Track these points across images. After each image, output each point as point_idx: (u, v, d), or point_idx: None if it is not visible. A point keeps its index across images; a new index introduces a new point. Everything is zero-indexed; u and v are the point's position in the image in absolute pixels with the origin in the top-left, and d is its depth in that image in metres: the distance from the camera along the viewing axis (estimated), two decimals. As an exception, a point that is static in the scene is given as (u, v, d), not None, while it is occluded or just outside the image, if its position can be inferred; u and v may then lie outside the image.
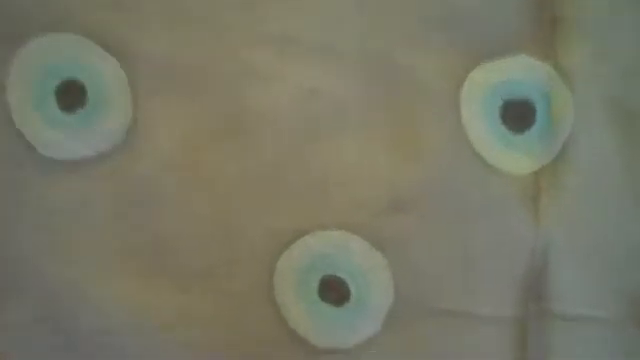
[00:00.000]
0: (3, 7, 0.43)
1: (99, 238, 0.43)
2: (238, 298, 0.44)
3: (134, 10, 0.44)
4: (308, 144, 0.44)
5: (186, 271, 0.44)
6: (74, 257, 0.43)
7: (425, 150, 0.45)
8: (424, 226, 0.45)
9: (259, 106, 0.44)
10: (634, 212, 0.46)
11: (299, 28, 0.45)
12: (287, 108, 0.44)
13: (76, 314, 0.43)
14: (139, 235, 0.43)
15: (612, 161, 0.46)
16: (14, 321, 0.43)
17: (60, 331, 0.43)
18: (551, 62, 0.45)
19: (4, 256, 0.43)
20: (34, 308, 0.43)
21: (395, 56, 0.45)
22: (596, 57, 0.46)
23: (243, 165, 0.44)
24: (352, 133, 0.45)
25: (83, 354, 0.43)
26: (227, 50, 0.44)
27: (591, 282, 0.45)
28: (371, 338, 0.44)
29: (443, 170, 0.45)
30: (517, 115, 0.45)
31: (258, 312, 0.44)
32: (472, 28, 0.45)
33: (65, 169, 0.43)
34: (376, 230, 0.44)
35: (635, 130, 0.46)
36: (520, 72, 0.45)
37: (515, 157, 0.45)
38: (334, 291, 0.44)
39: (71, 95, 0.43)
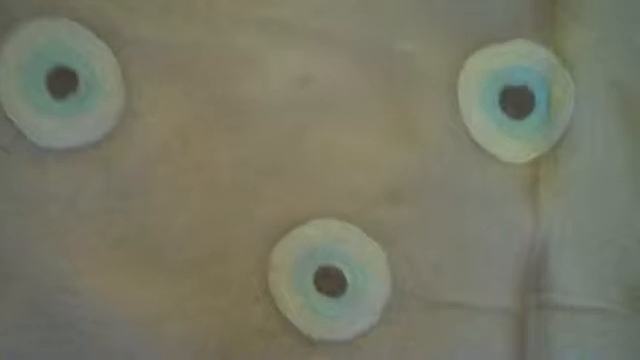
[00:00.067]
0: None
1: (90, 229, 0.43)
2: (232, 289, 0.43)
3: (127, -5, 0.43)
4: (303, 132, 0.44)
5: (179, 262, 0.43)
6: (65, 248, 0.43)
7: (422, 138, 0.45)
8: (421, 216, 0.44)
9: (253, 93, 0.44)
10: (636, 200, 0.45)
11: (293, 13, 0.44)
12: (281, 95, 0.44)
13: (66, 306, 0.42)
14: (131, 226, 0.43)
15: (614, 149, 0.45)
16: (2, 312, 0.42)
17: (50, 322, 0.42)
18: (551, 47, 0.45)
19: None
20: (23, 300, 0.42)
21: (391, 42, 0.45)
22: (597, 42, 0.45)
23: (237, 154, 0.44)
24: (348, 121, 0.44)
25: (73, 346, 0.43)
26: (220, 36, 0.44)
27: (591, 272, 0.45)
28: (368, 330, 0.44)
29: (440, 158, 0.44)
30: (516, 101, 0.45)
31: (252, 303, 0.43)
32: (470, 13, 0.45)
33: (56, 157, 0.43)
34: (373, 219, 0.44)
35: (638, 116, 0.46)
36: (519, 58, 0.45)
37: (514, 145, 0.45)
38: (330, 282, 0.44)
39: (62, 82, 0.43)
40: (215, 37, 0.44)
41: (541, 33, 0.45)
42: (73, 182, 0.43)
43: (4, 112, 0.42)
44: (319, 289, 0.44)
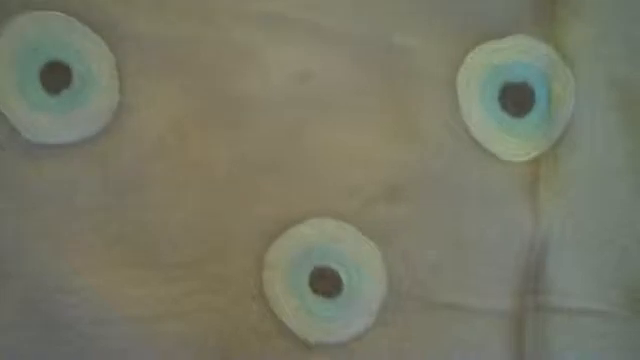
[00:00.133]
0: None
1: (87, 226, 0.43)
2: (227, 289, 0.43)
3: (122, -12, 0.43)
4: (302, 128, 0.44)
5: (176, 260, 0.43)
6: (61, 246, 0.42)
7: (421, 136, 0.44)
8: (419, 215, 0.44)
9: (251, 89, 0.43)
10: (636, 200, 0.45)
11: (292, 8, 0.44)
12: (280, 91, 0.44)
13: (64, 304, 0.42)
14: (128, 223, 0.43)
15: (614, 147, 0.45)
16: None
17: (45, 322, 0.42)
18: (551, 43, 0.45)
19: None
20: (21, 298, 0.42)
21: (391, 38, 0.44)
22: (597, 38, 0.45)
23: (234, 150, 0.43)
24: (347, 117, 0.44)
25: (69, 345, 0.42)
26: (218, 31, 0.43)
27: (591, 274, 0.45)
28: (364, 332, 0.44)
29: (439, 156, 0.44)
30: (516, 98, 0.45)
31: (247, 305, 0.43)
32: (470, 8, 0.45)
33: (50, 154, 0.42)
34: (370, 218, 0.44)
35: (638, 114, 0.45)
36: (519, 53, 0.45)
37: (513, 143, 0.45)
38: (326, 283, 0.44)
39: (56, 76, 0.42)
40: (212, 32, 0.43)
41: (541, 29, 0.45)
42: (69, 179, 0.42)
43: (-3, 108, 0.42)
44: (315, 291, 0.43)
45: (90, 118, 0.42)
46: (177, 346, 0.43)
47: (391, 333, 0.44)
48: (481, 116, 0.44)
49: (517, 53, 0.44)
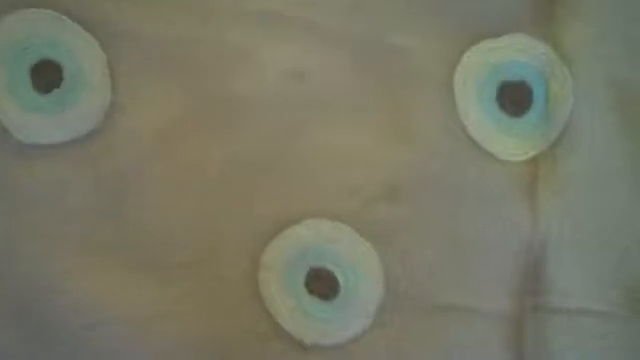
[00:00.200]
0: None
1: (79, 228, 0.42)
2: (222, 291, 0.43)
3: (115, -14, 0.43)
4: (298, 129, 0.43)
5: (171, 262, 0.43)
6: (54, 248, 0.42)
7: (417, 136, 0.44)
8: (416, 216, 0.44)
9: (246, 89, 0.43)
10: (636, 200, 0.45)
11: (288, 6, 0.43)
12: (276, 91, 0.43)
13: (55, 306, 0.42)
14: (119, 225, 0.43)
15: (613, 147, 0.45)
16: None
17: (37, 326, 0.42)
18: (550, 42, 0.45)
19: None
20: (11, 298, 0.42)
21: (388, 36, 0.44)
22: (596, 37, 0.45)
23: (229, 151, 0.43)
24: (343, 117, 0.44)
25: (64, 347, 0.42)
26: (213, 30, 0.43)
27: (591, 274, 0.45)
28: (361, 333, 0.43)
29: (437, 156, 0.44)
30: (514, 98, 0.45)
31: (242, 306, 0.43)
32: (468, 7, 0.44)
33: (42, 154, 0.42)
34: (366, 219, 0.43)
35: (637, 113, 0.45)
36: (517, 52, 0.45)
37: (512, 142, 0.44)
38: (322, 284, 0.43)
39: (47, 76, 0.42)
40: (208, 30, 0.43)
41: (539, 28, 0.45)
42: (61, 179, 0.42)
43: (-12, 108, 0.42)
44: (311, 292, 0.43)
45: (82, 118, 0.42)
46: (172, 348, 0.43)
47: (389, 334, 0.43)
48: (478, 115, 0.44)
49: (514, 52, 0.44)
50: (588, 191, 0.45)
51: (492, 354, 0.44)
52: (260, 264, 0.43)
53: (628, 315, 0.45)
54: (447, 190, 0.44)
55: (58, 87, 0.42)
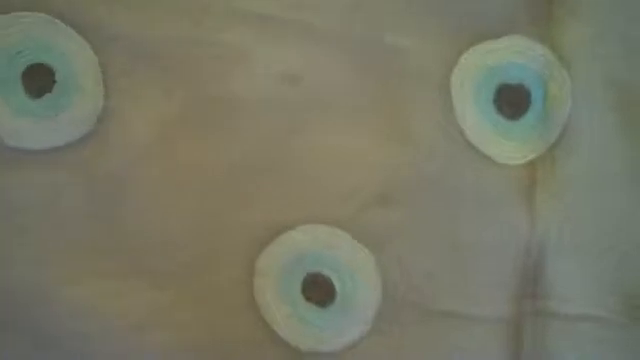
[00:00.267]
0: None
1: (70, 236, 0.42)
2: (217, 298, 0.43)
3: (107, -11, 0.43)
4: (293, 132, 0.43)
5: (162, 270, 0.43)
6: (44, 256, 0.42)
7: (414, 138, 0.44)
8: (413, 219, 0.44)
9: (239, 92, 0.43)
10: (635, 204, 0.45)
11: (283, 8, 0.43)
12: (270, 93, 0.43)
13: (48, 314, 0.42)
14: (112, 232, 0.42)
15: (612, 149, 0.45)
16: None
17: (31, 332, 0.42)
18: (547, 44, 0.44)
19: None
20: (3, 308, 0.41)
21: (384, 38, 0.44)
22: (594, 38, 0.45)
23: (223, 155, 0.43)
24: (339, 120, 0.43)
25: (55, 356, 0.42)
26: (206, 32, 0.43)
27: (590, 279, 0.44)
28: (359, 340, 0.43)
29: (434, 159, 0.44)
30: (511, 100, 0.44)
31: (237, 313, 0.43)
32: (465, 8, 0.44)
33: (34, 160, 0.42)
34: (363, 224, 0.43)
35: (636, 115, 0.45)
36: (515, 54, 0.44)
37: (509, 145, 0.44)
38: (319, 290, 0.43)
39: (38, 80, 0.42)
40: (202, 33, 0.43)
41: (537, 29, 0.45)
42: (50, 187, 0.42)
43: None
44: (307, 298, 0.43)
45: (74, 122, 0.42)
46: (166, 354, 0.42)
47: (387, 341, 0.43)
48: (476, 118, 0.44)
49: (512, 54, 0.44)
50: (587, 194, 0.45)
51: (491, 359, 0.44)
52: (255, 270, 0.42)
53: (626, 322, 0.45)
54: (444, 193, 0.44)
55: (50, 91, 0.42)
